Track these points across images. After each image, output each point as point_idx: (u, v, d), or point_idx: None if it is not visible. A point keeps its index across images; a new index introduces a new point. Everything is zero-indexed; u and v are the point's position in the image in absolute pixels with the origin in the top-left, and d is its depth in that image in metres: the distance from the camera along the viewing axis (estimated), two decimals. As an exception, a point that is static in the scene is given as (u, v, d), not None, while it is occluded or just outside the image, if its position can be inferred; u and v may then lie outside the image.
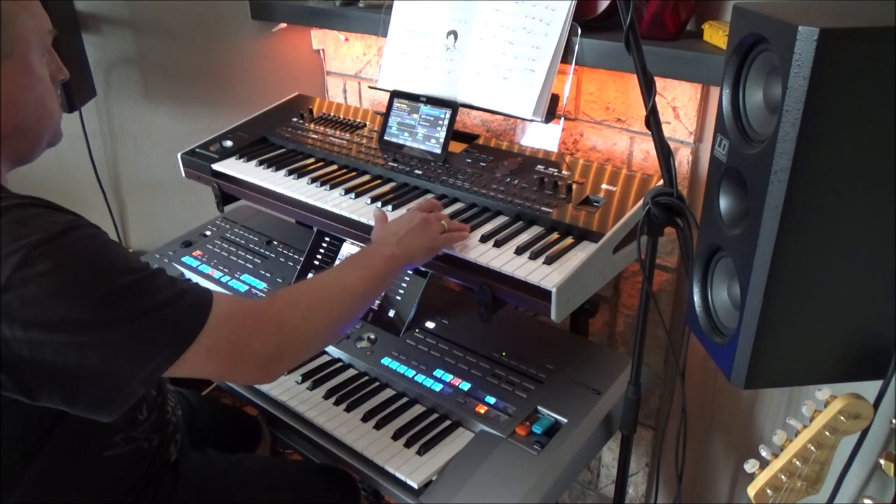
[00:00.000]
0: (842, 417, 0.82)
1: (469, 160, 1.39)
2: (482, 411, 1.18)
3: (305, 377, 1.31)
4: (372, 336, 1.38)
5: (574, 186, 1.25)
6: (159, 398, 1.05)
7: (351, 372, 1.34)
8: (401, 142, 1.47)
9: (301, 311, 0.97)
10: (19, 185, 0.92)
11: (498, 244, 1.17)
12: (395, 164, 1.42)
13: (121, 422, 0.93)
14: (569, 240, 1.17)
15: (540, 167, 1.33)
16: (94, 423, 0.87)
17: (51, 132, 0.94)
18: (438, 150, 1.42)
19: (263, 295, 1.53)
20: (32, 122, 0.89)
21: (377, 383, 1.30)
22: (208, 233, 1.81)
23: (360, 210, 1.30)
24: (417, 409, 1.23)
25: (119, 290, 0.78)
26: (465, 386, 1.24)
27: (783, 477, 0.87)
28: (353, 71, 1.91)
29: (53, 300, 0.74)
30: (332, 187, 1.38)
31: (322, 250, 1.55)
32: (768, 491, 0.88)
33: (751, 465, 0.89)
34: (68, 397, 0.79)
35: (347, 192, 1.36)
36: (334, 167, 1.49)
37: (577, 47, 1.31)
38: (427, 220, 1.15)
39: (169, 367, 0.82)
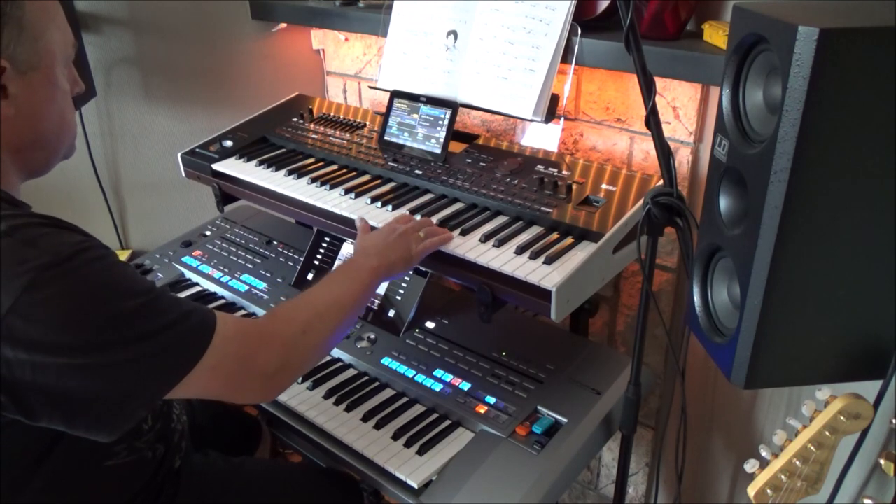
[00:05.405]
0: (842, 417, 0.82)
1: (469, 160, 1.39)
2: (482, 411, 1.18)
3: (305, 377, 1.31)
4: (372, 336, 1.38)
5: (574, 186, 1.25)
6: (164, 407, 1.05)
7: (351, 372, 1.34)
8: (401, 142, 1.47)
9: (301, 327, 0.99)
10: (21, 187, 0.92)
11: (498, 244, 1.17)
12: (395, 164, 1.42)
13: None
14: (569, 240, 1.17)
15: (540, 167, 1.33)
16: None
17: (67, 145, 0.94)
18: (438, 150, 1.42)
19: (264, 295, 1.53)
20: (51, 134, 0.90)
21: (377, 383, 1.30)
22: (208, 233, 1.80)
23: (360, 210, 1.30)
24: (417, 409, 1.23)
25: (125, 314, 0.78)
26: (465, 386, 1.24)
27: (783, 477, 0.87)
28: (353, 71, 1.91)
29: (59, 324, 0.74)
30: (332, 187, 1.38)
31: (322, 250, 1.55)
32: (768, 491, 0.88)
33: (751, 465, 0.89)
34: (68, 419, 0.79)
35: (347, 192, 1.36)
36: (334, 167, 1.49)
37: (576, 47, 1.31)
38: (405, 233, 1.16)
39: (172, 388, 0.83)
